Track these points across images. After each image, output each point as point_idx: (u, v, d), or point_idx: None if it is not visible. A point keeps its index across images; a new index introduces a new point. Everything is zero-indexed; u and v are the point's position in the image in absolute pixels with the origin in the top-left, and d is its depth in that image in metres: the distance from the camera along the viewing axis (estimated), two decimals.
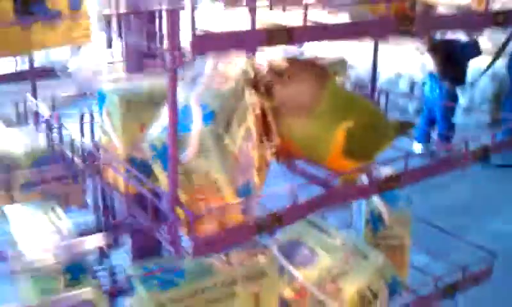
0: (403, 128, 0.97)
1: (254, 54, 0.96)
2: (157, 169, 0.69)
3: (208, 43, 0.59)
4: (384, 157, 0.87)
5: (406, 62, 4.65)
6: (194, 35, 0.58)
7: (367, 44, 1.15)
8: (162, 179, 0.69)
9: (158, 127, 0.69)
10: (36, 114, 1.07)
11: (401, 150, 0.92)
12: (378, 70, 1.15)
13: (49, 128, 1.00)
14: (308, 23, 0.69)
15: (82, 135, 0.95)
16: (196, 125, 0.66)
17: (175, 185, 0.65)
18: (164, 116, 0.68)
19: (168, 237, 0.66)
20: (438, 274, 1.02)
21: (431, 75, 3.65)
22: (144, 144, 0.68)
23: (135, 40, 0.73)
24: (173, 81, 0.60)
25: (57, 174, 1.01)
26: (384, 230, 1.04)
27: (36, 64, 1.04)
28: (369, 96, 1.12)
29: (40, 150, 1.03)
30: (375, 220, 1.04)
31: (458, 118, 3.95)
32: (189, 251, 0.65)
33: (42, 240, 0.78)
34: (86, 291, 0.74)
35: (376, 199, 1.03)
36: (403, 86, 4.73)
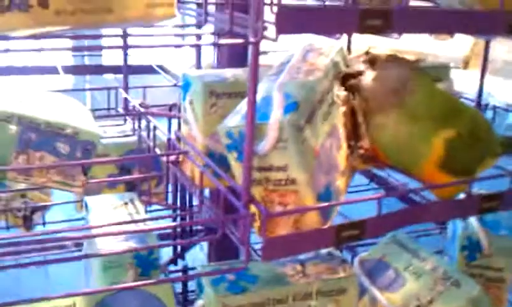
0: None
1: (349, 45, 0.91)
2: (232, 159, 0.64)
3: (293, 19, 0.54)
4: (484, 175, 0.78)
5: None
6: (279, 8, 0.53)
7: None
8: (237, 171, 0.64)
9: (237, 115, 0.65)
10: (126, 104, 1.06)
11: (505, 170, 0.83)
12: (487, 99, 1.07)
13: (137, 118, 0.99)
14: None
15: (169, 126, 0.93)
16: (276, 114, 0.60)
17: (249, 177, 0.60)
18: (245, 105, 0.64)
19: (238, 234, 0.61)
20: None
21: None
22: (220, 131, 0.63)
23: (220, 19, 0.69)
24: (255, 57, 0.56)
25: (141, 167, 1.00)
26: (481, 259, 0.93)
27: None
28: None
29: (130, 143, 1.02)
30: (472, 247, 0.93)
31: None
32: (259, 251, 0.60)
33: (117, 230, 0.75)
34: (160, 284, 0.69)
35: (474, 224, 0.93)
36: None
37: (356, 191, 1.24)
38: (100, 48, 0.69)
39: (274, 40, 0.57)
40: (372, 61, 0.73)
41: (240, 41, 0.61)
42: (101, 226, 0.73)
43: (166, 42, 0.74)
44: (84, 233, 0.78)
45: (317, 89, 0.67)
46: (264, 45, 0.58)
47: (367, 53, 0.74)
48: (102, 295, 0.66)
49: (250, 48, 0.57)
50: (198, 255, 1.20)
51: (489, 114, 1.17)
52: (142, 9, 0.57)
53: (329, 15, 0.58)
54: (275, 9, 0.54)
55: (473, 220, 0.93)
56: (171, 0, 0.60)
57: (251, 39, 0.57)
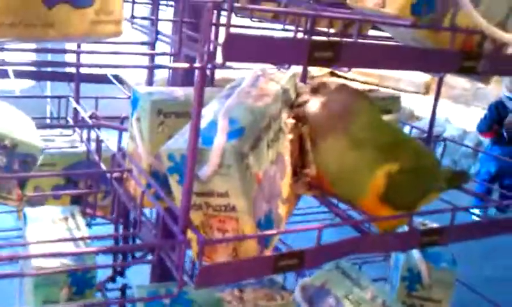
0: (457, 180, 0.88)
1: (305, 73, 0.91)
2: (173, 182, 0.63)
3: (242, 46, 0.53)
4: (428, 209, 0.79)
5: (474, 122, 4.49)
6: (227, 35, 0.52)
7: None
8: (177, 194, 0.63)
9: (181, 137, 0.64)
10: (75, 114, 1.04)
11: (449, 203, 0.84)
12: (444, 126, 1.09)
13: (87, 129, 0.97)
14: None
15: (120, 139, 0.91)
16: (219, 140, 0.60)
17: (188, 203, 0.59)
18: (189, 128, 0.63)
19: (174, 260, 0.60)
20: None
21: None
22: (162, 153, 0.62)
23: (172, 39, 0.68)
24: (201, 81, 0.55)
25: (87, 180, 0.98)
26: (421, 290, 0.95)
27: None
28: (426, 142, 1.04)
29: (79, 154, 1.00)
30: (413, 278, 0.94)
31: None
32: (193, 277, 0.59)
33: (53, 246, 0.73)
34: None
35: (416, 255, 0.94)
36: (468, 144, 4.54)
37: (308, 213, 1.24)
38: (50, 64, 0.67)
39: (221, 67, 0.56)
40: (316, 89, 0.73)
41: (185, 65, 0.60)
42: (38, 243, 0.71)
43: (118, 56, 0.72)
44: (20, 249, 0.76)
45: (265, 116, 0.67)
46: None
47: (314, 81, 0.75)
48: None
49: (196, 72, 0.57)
50: (141, 268, 1.17)
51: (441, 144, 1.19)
52: (86, 25, 0.56)
53: (278, 45, 0.58)
54: (224, 34, 0.54)
55: (415, 252, 0.94)
56: (119, 17, 0.59)
57: (197, 64, 0.56)
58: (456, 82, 5.11)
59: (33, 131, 0.75)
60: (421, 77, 5.23)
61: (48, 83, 2.84)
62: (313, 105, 0.73)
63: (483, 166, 3.73)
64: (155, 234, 0.67)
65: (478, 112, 4.34)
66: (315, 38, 0.81)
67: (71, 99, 1.04)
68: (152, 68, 0.95)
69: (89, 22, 0.56)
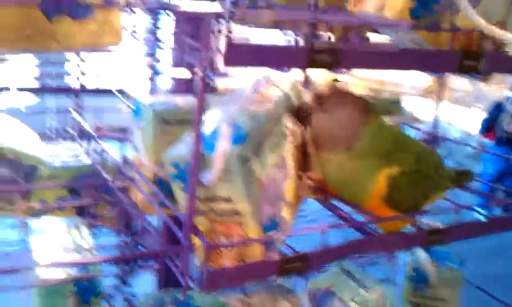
0: (461, 179, 0.88)
1: (306, 79, 0.91)
2: (177, 189, 0.63)
3: (242, 54, 0.54)
4: (431, 207, 0.79)
5: (476, 124, 4.48)
6: (228, 43, 0.53)
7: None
8: (181, 201, 0.63)
9: (184, 145, 0.64)
10: (79, 128, 1.05)
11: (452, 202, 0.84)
12: (446, 129, 1.10)
13: (90, 141, 0.97)
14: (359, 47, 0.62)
15: (123, 151, 0.92)
16: (222, 146, 0.60)
17: (192, 209, 0.59)
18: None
19: (179, 266, 0.61)
20: None
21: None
22: (166, 160, 0.63)
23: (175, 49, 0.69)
24: (202, 89, 0.55)
25: (91, 191, 0.98)
26: (427, 290, 0.94)
27: None
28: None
29: (82, 166, 1.01)
30: (418, 278, 0.94)
31: None
32: (199, 282, 0.59)
33: (58, 256, 0.74)
34: None
35: (422, 255, 0.94)
36: (469, 148, 4.54)
37: (313, 219, 1.24)
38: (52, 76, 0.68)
39: (222, 73, 0.57)
40: (321, 99, 0.73)
41: (186, 73, 0.61)
42: (43, 254, 0.71)
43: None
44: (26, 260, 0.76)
45: (267, 121, 0.67)
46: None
47: (319, 89, 0.75)
48: None
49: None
50: (147, 278, 1.17)
51: (447, 144, 1.19)
52: (87, 36, 0.57)
53: (280, 52, 0.58)
54: (225, 42, 0.54)
55: (421, 252, 0.94)
56: (117, 28, 0.60)
57: (198, 71, 0.57)
58: (457, 85, 5.11)
59: (37, 144, 0.75)
60: (421, 83, 5.23)
61: (53, 100, 2.86)
62: (319, 118, 0.73)
63: (484, 168, 3.72)
64: (159, 241, 0.67)
65: (479, 115, 4.34)
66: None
67: (74, 112, 1.05)
68: (153, 77, 0.96)
69: (90, 32, 0.57)
